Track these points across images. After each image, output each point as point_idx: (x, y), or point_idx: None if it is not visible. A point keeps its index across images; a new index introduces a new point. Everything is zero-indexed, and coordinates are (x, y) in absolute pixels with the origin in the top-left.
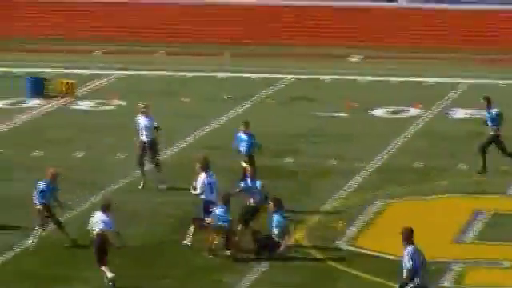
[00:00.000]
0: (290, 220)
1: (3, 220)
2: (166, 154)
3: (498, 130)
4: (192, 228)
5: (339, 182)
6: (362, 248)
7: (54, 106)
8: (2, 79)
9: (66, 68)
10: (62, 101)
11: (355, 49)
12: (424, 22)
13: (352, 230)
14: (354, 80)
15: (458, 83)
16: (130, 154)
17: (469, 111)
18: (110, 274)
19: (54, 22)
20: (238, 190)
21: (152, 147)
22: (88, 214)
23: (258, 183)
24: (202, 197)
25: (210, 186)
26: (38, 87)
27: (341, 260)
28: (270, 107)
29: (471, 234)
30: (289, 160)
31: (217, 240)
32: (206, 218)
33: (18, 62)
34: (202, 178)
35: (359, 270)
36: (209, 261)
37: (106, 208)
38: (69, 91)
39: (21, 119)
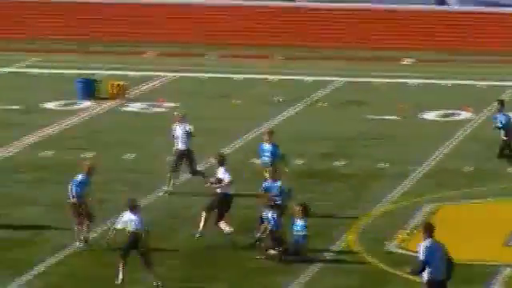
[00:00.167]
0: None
1: (56, 221)
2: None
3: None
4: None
5: (390, 186)
6: (412, 251)
7: (104, 107)
8: (54, 81)
9: (118, 70)
10: (112, 102)
11: (407, 52)
12: (474, 25)
13: (403, 234)
14: (405, 83)
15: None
16: None
17: None
18: (121, 276)
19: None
20: (260, 191)
21: (189, 156)
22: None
23: (278, 183)
24: (219, 190)
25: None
26: (89, 89)
27: (392, 263)
28: (322, 110)
29: None
30: (340, 163)
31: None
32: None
33: (70, 63)
34: (222, 170)
35: None
36: (261, 263)
37: (133, 208)
38: (119, 93)
39: (72, 121)
